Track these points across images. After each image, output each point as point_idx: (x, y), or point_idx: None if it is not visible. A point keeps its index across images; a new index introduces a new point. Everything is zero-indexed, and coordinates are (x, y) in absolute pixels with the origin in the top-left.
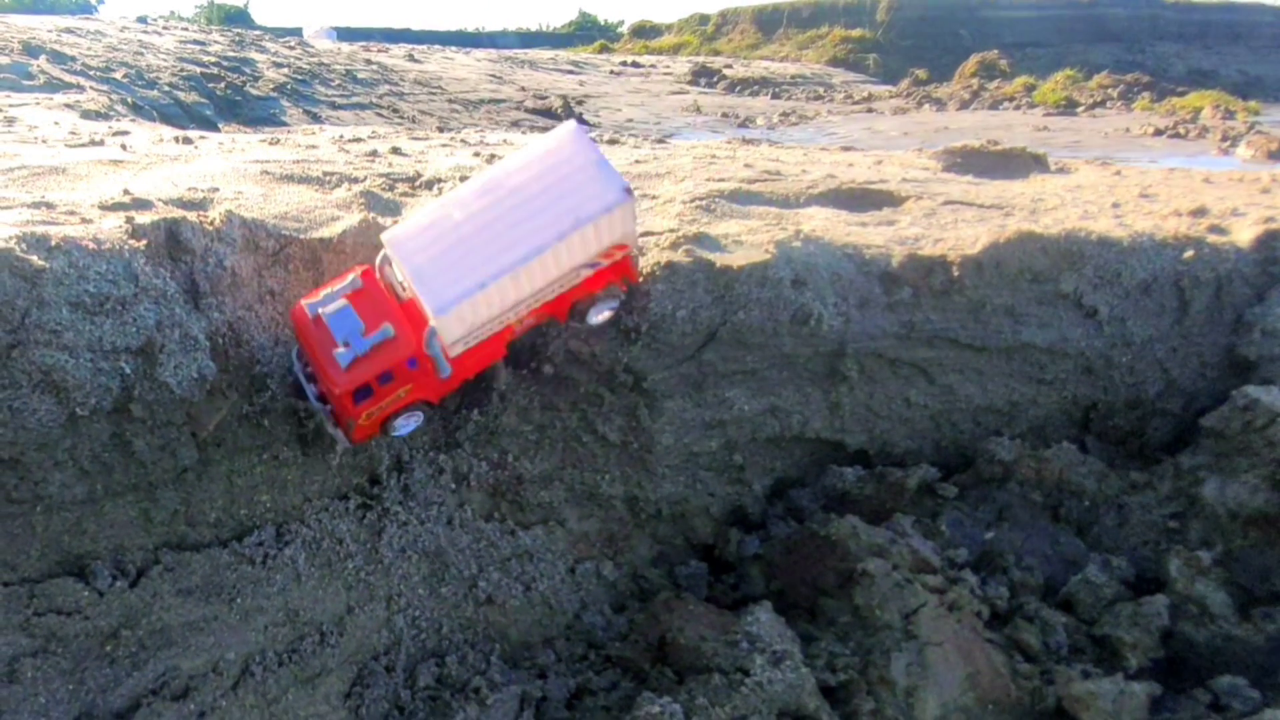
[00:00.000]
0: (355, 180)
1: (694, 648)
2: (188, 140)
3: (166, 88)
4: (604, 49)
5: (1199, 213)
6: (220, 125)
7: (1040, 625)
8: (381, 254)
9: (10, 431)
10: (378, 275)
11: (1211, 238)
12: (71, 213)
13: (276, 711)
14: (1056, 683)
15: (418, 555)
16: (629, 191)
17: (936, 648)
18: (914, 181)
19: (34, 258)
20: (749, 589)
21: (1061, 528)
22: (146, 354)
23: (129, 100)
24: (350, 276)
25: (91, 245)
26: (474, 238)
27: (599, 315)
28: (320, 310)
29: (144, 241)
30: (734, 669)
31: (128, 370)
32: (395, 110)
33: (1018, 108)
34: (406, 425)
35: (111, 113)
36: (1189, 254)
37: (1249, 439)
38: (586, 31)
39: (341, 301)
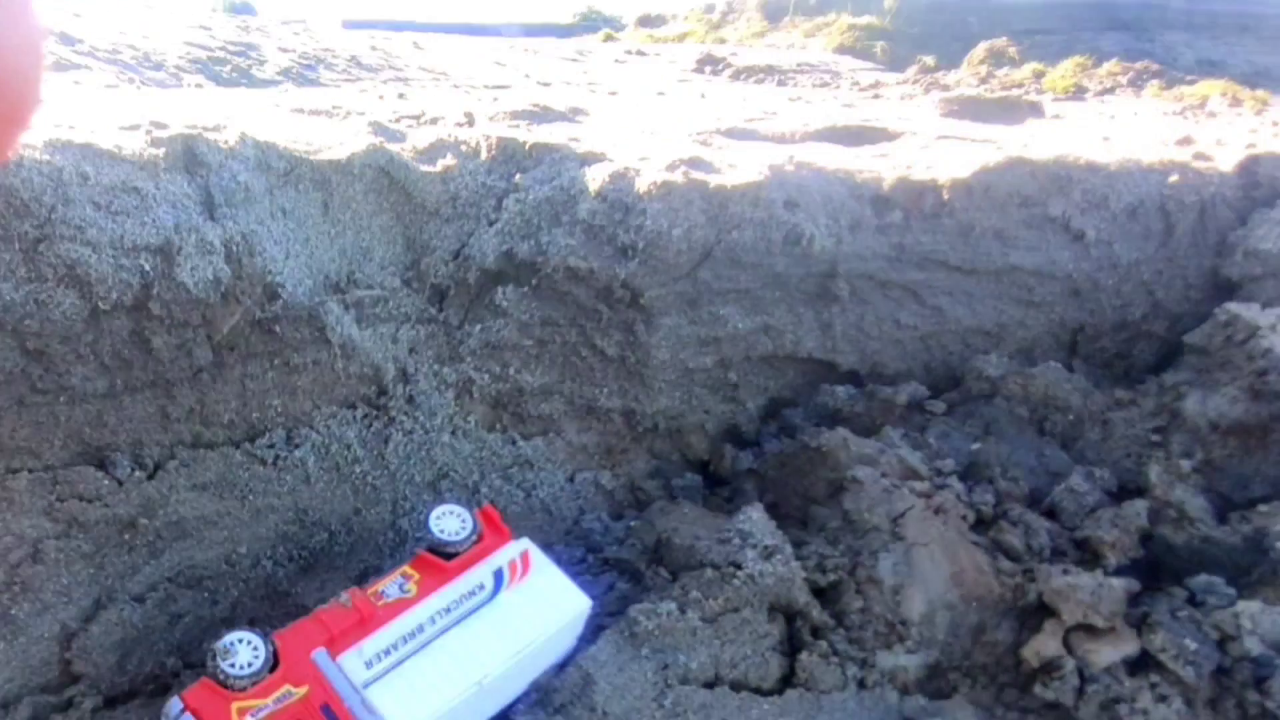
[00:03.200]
0: (363, 113)
1: (688, 546)
2: (200, 86)
3: (173, 70)
4: (609, 39)
5: (1185, 142)
6: None
7: (1024, 528)
8: None
9: (37, 323)
10: None
11: (1196, 164)
12: (93, 131)
13: (285, 603)
14: (1038, 579)
15: (422, 462)
16: None
17: (923, 548)
18: (910, 121)
19: (59, 159)
20: (743, 501)
21: (1047, 441)
22: (165, 253)
23: (135, 81)
24: None
25: (114, 150)
26: None
27: None
28: None
29: (163, 150)
30: (726, 564)
31: (147, 268)
32: (400, 96)
33: (1026, 94)
34: None
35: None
36: (1174, 178)
37: (1229, 353)
38: (592, 24)
39: None
